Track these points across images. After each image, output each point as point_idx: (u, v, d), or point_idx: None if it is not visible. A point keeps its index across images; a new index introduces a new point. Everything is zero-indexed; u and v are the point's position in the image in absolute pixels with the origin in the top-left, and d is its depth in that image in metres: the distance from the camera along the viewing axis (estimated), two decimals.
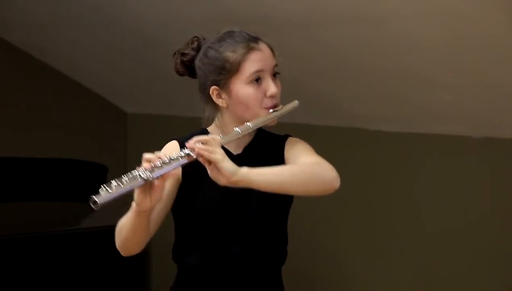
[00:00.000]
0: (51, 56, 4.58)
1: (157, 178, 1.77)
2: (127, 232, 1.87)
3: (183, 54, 2.02)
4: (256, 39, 1.96)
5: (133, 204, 1.82)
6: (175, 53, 2.04)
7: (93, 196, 1.71)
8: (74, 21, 3.98)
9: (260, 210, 1.94)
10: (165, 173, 1.77)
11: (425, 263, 3.68)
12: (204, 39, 2.02)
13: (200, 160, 1.78)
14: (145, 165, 1.77)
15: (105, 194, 1.73)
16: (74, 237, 3.23)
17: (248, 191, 1.86)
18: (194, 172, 1.89)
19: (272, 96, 1.94)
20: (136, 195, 1.79)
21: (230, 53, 1.92)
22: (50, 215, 3.89)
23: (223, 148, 1.86)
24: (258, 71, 1.93)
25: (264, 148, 2.00)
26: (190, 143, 1.78)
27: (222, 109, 1.99)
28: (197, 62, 2.00)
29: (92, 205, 1.72)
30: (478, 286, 3.51)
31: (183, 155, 1.79)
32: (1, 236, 3.09)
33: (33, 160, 4.25)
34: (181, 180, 1.96)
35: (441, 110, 3.37)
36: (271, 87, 1.94)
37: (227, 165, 1.75)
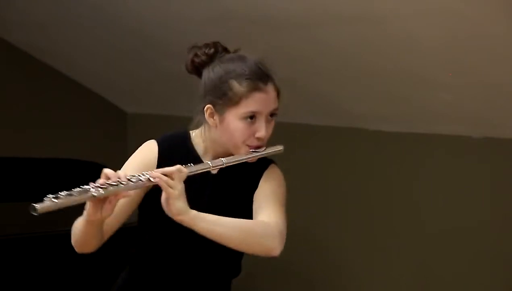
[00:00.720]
0: (51, 56, 4.58)
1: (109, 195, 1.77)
2: (79, 234, 1.88)
3: (196, 54, 2.02)
4: (266, 80, 1.95)
5: (84, 215, 1.83)
6: (191, 48, 2.04)
7: (34, 204, 1.68)
8: (74, 21, 3.98)
9: None
10: (118, 193, 1.77)
11: (425, 263, 3.68)
12: (223, 49, 2.01)
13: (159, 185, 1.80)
14: (101, 180, 1.78)
15: (49, 202, 1.71)
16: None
17: (219, 206, 1.92)
18: None
19: (259, 138, 1.95)
20: (87, 206, 1.81)
21: (236, 84, 1.93)
22: (50, 215, 3.88)
23: (197, 157, 1.93)
24: (255, 112, 1.94)
25: (242, 171, 1.99)
26: (152, 173, 1.80)
27: (210, 126, 1.99)
28: (204, 73, 2.00)
29: (32, 212, 1.69)
30: (478, 286, 3.51)
31: (143, 179, 1.80)
32: (1, 236, 3.09)
33: (33, 160, 4.25)
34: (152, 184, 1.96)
35: (441, 110, 3.37)
36: (262, 131, 1.94)
37: (179, 204, 1.78)
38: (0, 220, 3.68)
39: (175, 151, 1.99)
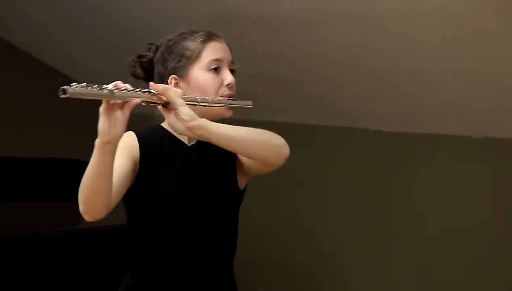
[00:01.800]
0: (51, 56, 4.58)
1: (122, 101, 1.79)
2: (92, 176, 1.82)
3: (141, 56, 2.08)
4: (215, 34, 2.02)
5: (97, 141, 1.81)
6: (131, 61, 2.09)
7: (64, 86, 1.74)
8: (74, 21, 3.98)
9: (214, 203, 1.96)
10: (129, 97, 1.81)
11: (425, 263, 3.68)
12: (161, 42, 2.08)
13: (160, 107, 1.84)
14: (116, 82, 1.81)
15: (76, 88, 1.75)
16: (74, 237, 3.23)
17: (205, 183, 1.93)
18: (152, 161, 1.91)
19: (229, 86, 1.99)
20: (100, 122, 1.79)
21: (190, 42, 1.99)
22: (50, 215, 3.89)
23: (177, 140, 1.96)
24: (217, 60, 1.98)
25: (216, 148, 1.97)
26: (154, 85, 1.84)
27: None
28: (156, 57, 2.05)
29: (59, 94, 1.74)
30: (478, 286, 3.51)
31: (146, 90, 1.83)
32: (1, 236, 3.09)
33: (33, 160, 4.25)
34: (138, 167, 1.95)
35: (441, 110, 3.37)
36: (228, 77, 1.99)
37: (187, 109, 1.80)
38: (0, 220, 3.68)
39: (152, 137, 2.00)
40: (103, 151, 1.81)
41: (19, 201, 4.06)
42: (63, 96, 1.73)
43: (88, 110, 5.21)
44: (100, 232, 3.23)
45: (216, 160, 1.99)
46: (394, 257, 3.79)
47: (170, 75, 2.00)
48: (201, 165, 1.97)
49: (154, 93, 1.84)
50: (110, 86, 1.76)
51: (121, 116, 1.80)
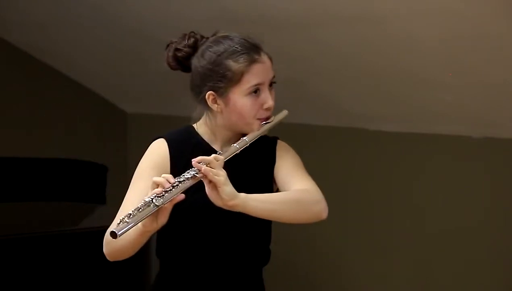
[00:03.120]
0: (51, 56, 4.58)
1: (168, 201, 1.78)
2: (123, 246, 1.87)
3: (177, 49, 2.02)
4: (258, 50, 1.96)
5: (139, 224, 1.81)
6: (168, 45, 2.04)
7: (113, 229, 1.73)
8: (74, 21, 3.98)
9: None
10: (174, 198, 1.78)
11: (425, 263, 3.68)
12: (201, 37, 2.02)
13: (204, 180, 1.80)
14: (156, 190, 1.77)
15: (122, 224, 1.73)
16: (74, 237, 3.23)
17: (235, 187, 1.89)
18: (182, 171, 1.89)
19: (267, 109, 1.97)
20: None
21: (233, 63, 1.93)
22: (50, 215, 3.89)
23: (209, 148, 1.94)
24: (258, 84, 1.94)
25: (255, 149, 1.99)
26: (196, 164, 1.80)
27: (214, 112, 1.99)
28: (194, 62, 1.99)
29: (111, 237, 1.74)
30: (478, 286, 3.51)
31: (189, 176, 1.80)
32: (1, 236, 3.09)
33: (33, 159, 4.25)
34: None
35: (441, 110, 3.37)
36: (269, 101, 1.96)
37: (228, 189, 1.79)
38: (0, 220, 3.68)
39: (184, 144, 1.99)
40: (142, 235, 1.84)
41: (19, 201, 4.05)
42: (115, 239, 1.74)
43: (88, 110, 5.24)
44: (100, 232, 3.22)
45: (251, 168, 1.99)
46: (394, 257, 3.79)
47: (208, 91, 1.96)
48: (234, 174, 1.93)
49: (196, 175, 1.81)
50: (155, 199, 1.75)
51: (165, 210, 1.79)
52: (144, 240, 1.86)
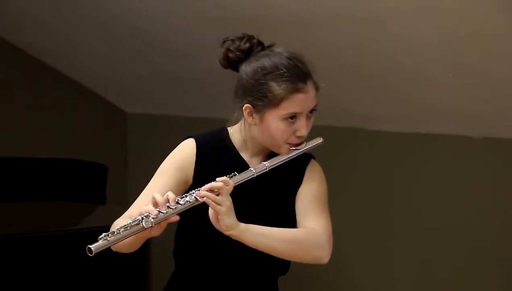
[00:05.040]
0: (51, 56, 4.58)
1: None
2: (120, 247, 1.89)
3: (229, 50, 1.97)
4: (305, 79, 1.94)
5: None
6: (224, 41, 1.99)
7: (90, 246, 1.73)
8: (74, 21, 3.98)
9: (269, 222, 1.92)
10: (168, 218, 1.78)
11: (424, 263, 3.68)
12: (258, 43, 1.98)
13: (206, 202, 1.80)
14: (151, 209, 1.77)
15: (102, 242, 1.74)
16: (74, 237, 3.22)
17: (257, 207, 1.91)
18: (206, 177, 1.88)
19: (299, 137, 1.95)
20: None
21: (275, 86, 1.90)
22: (50, 215, 3.89)
23: (239, 157, 1.93)
24: (295, 113, 1.92)
25: (283, 167, 1.97)
26: (202, 193, 1.79)
27: (251, 124, 1.97)
28: (242, 68, 1.96)
29: (87, 253, 1.74)
30: (478, 286, 3.51)
31: (190, 201, 1.80)
32: (1, 236, 3.09)
33: (33, 160, 4.25)
34: (191, 182, 1.95)
35: (441, 110, 3.37)
36: (302, 130, 1.94)
37: (228, 220, 1.79)
38: (0, 220, 3.68)
39: (213, 147, 1.97)
40: (136, 239, 1.84)
41: (19, 201, 4.05)
42: (90, 255, 1.75)
43: (88, 110, 5.23)
44: (100, 232, 3.22)
45: (276, 185, 1.96)
46: (394, 257, 3.79)
47: (247, 103, 1.93)
48: (257, 187, 1.94)
49: (198, 199, 1.80)
50: (145, 221, 1.75)
51: (160, 226, 1.79)
52: (137, 243, 1.87)
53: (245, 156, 1.98)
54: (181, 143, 2.01)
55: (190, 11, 3.38)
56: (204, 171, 1.92)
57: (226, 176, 1.85)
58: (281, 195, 1.96)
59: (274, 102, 1.90)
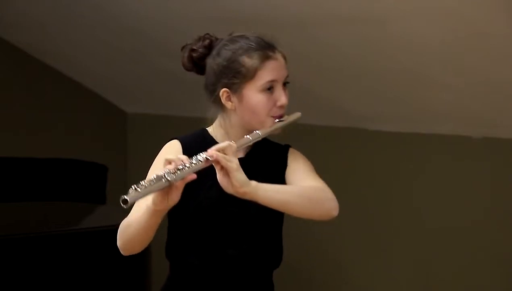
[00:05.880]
0: (51, 56, 4.58)
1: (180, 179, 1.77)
2: (137, 230, 1.86)
3: (193, 50, 2.02)
4: (273, 48, 1.98)
5: (149, 206, 1.81)
6: (183, 47, 2.04)
7: (124, 196, 1.71)
8: (74, 21, 3.98)
9: (260, 213, 1.94)
10: (186, 176, 1.78)
11: (425, 263, 3.68)
12: (216, 38, 2.03)
13: (216, 166, 1.80)
14: (168, 166, 1.77)
15: (134, 193, 1.72)
16: (74, 237, 3.22)
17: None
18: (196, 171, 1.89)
19: (281, 107, 1.97)
20: (154, 195, 1.79)
21: (247, 59, 1.94)
22: (50, 215, 3.89)
23: None
24: (272, 80, 1.95)
25: (266, 154, 2.01)
26: (211, 152, 1.80)
27: (228, 111, 2.00)
28: (209, 61, 2.00)
29: (122, 204, 1.71)
30: (478, 286, 3.51)
31: (201, 160, 1.80)
32: (1, 236, 3.09)
33: (33, 160, 4.25)
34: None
35: (441, 110, 3.37)
36: (282, 98, 1.97)
37: (240, 175, 1.78)
38: (0, 220, 3.68)
39: (197, 147, 1.96)
40: (154, 215, 1.83)
41: (19, 201, 4.05)
42: (125, 206, 1.72)
43: (88, 110, 5.23)
44: (100, 232, 3.22)
45: (264, 170, 1.98)
46: (394, 257, 3.79)
47: (222, 88, 1.96)
48: (247, 173, 1.92)
49: (209, 159, 1.80)
50: (167, 174, 1.75)
51: (176, 188, 1.78)
52: (155, 222, 1.84)
53: None
54: (166, 144, 2.02)
55: (190, 11, 3.38)
56: None
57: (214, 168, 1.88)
58: (269, 181, 1.94)
59: (249, 75, 1.93)
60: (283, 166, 2.01)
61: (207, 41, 2.01)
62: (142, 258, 3.30)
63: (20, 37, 4.44)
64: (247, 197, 1.80)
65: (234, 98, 1.96)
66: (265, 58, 1.94)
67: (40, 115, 4.69)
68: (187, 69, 2.05)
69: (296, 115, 2.06)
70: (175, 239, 2.01)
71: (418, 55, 3.03)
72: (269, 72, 1.94)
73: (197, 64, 2.02)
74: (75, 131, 4.79)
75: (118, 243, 1.91)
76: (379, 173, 3.83)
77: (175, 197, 1.78)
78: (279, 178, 1.99)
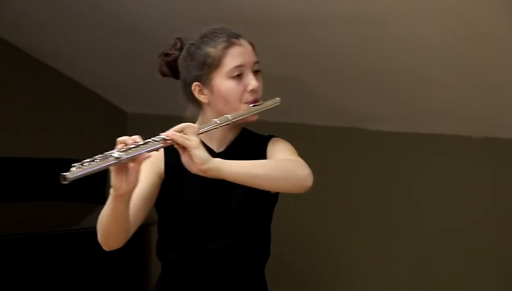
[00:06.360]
0: (51, 56, 4.58)
1: (131, 159, 1.76)
2: (108, 220, 1.85)
3: (166, 54, 2.04)
4: (237, 35, 1.98)
5: (111, 192, 1.82)
6: (159, 56, 2.06)
7: (63, 173, 1.71)
8: (74, 21, 3.98)
9: (241, 208, 1.95)
10: (138, 155, 1.77)
11: (425, 263, 3.68)
12: (185, 39, 2.04)
13: (175, 146, 1.79)
14: (119, 146, 1.78)
15: (77, 169, 1.74)
16: (74, 237, 3.23)
17: (230, 188, 1.89)
18: (177, 169, 1.89)
19: (253, 91, 1.95)
20: (112, 178, 1.80)
21: (211, 49, 1.95)
22: (50, 215, 3.89)
23: (205, 146, 1.88)
24: (239, 66, 1.94)
25: (247, 147, 2.01)
26: (168, 132, 1.80)
27: (204, 107, 2.00)
28: (179, 61, 2.02)
29: (61, 181, 1.72)
30: (478, 286, 3.51)
31: (158, 139, 1.80)
32: (1, 236, 3.09)
33: (33, 160, 4.25)
34: (163, 177, 1.97)
35: (441, 110, 3.37)
36: (252, 82, 1.95)
37: (200, 152, 1.76)
38: (0, 220, 3.68)
39: None
40: (118, 201, 1.82)
41: (19, 201, 4.05)
42: (64, 182, 1.72)
43: (88, 110, 5.23)
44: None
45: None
46: (394, 256, 3.79)
47: (193, 82, 1.97)
48: None
49: (165, 138, 1.79)
50: (115, 152, 1.74)
51: (133, 170, 1.77)
52: (121, 210, 1.82)
53: (213, 146, 1.99)
54: None
55: (190, 11, 3.38)
56: (173, 165, 1.93)
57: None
58: None
59: (215, 63, 1.93)
60: (263, 156, 1.98)
61: (178, 44, 2.03)
62: (142, 258, 3.30)
63: (20, 37, 4.44)
64: (211, 174, 1.76)
65: (206, 91, 1.97)
66: (229, 45, 1.94)
67: (40, 115, 4.69)
68: (164, 75, 2.06)
69: (275, 101, 2.02)
70: (162, 237, 2.02)
71: (418, 55, 3.03)
72: (234, 58, 1.94)
73: (172, 68, 2.04)
74: (75, 131, 4.79)
75: (98, 238, 1.89)
76: (379, 173, 3.83)
77: (133, 179, 1.77)
78: None
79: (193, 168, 1.77)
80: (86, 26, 3.99)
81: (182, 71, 2.01)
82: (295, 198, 4.03)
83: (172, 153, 1.91)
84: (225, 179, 1.78)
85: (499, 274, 3.45)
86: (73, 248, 3.19)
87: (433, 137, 3.60)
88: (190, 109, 2.04)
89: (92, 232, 3.10)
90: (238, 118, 1.92)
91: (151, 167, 1.93)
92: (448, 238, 3.59)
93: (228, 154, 1.97)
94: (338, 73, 3.42)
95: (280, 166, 1.87)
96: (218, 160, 1.77)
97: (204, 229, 1.95)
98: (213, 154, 1.93)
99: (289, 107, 3.80)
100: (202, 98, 1.98)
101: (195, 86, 1.97)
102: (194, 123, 2.02)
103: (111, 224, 1.85)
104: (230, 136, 2.01)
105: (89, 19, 3.90)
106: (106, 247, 1.91)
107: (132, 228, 1.90)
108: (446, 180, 3.61)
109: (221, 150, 2.00)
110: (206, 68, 1.95)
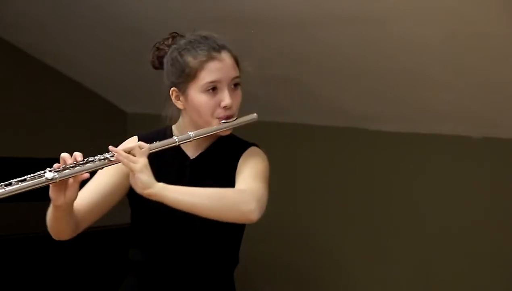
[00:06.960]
0: (51, 56, 4.58)
1: (67, 177, 1.76)
2: (50, 220, 1.88)
3: (158, 48, 2.04)
4: (219, 48, 1.95)
5: (51, 200, 1.82)
6: (152, 47, 2.06)
7: None
8: (74, 21, 3.98)
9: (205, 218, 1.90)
10: (76, 175, 1.77)
11: (425, 263, 3.68)
12: (182, 36, 2.03)
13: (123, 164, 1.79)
14: (56, 165, 1.77)
15: (1, 190, 1.72)
16: (73, 237, 3.22)
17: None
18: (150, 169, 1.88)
19: (225, 108, 1.93)
20: (50, 190, 1.79)
21: (191, 59, 1.94)
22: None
23: (180, 150, 1.91)
24: (214, 81, 1.93)
25: (222, 154, 1.99)
26: (112, 148, 1.81)
27: (182, 111, 2.00)
28: (164, 60, 2.02)
29: None
30: (478, 286, 3.51)
31: (102, 158, 1.80)
32: (1, 236, 3.09)
33: (34, 160, 4.24)
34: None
35: (441, 110, 3.37)
36: (226, 99, 1.93)
37: (143, 177, 1.77)
38: (0, 220, 3.68)
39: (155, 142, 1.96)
40: (56, 210, 1.83)
41: (19, 201, 4.05)
42: None
43: (88, 110, 5.22)
44: (100, 232, 3.22)
45: (216, 173, 1.96)
46: (394, 256, 3.79)
47: (171, 87, 1.98)
48: (197, 178, 1.94)
49: (109, 158, 1.80)
50: (49, 173, 1.73)
51: (71, 186, 1.78)
52: (61, 216, 1.83)
53: (187, 149, 1.99)
54: (127, 140, 2.06)
55: (190, 11, 3.38)
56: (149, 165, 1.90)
57: (168, 169, 1.90)
58: (219, 184, 1.90)
59: (191, 75, 1.93)
60: (233, 168, 1.96)
61: (170, 40, 2.03)
62: None
63: (20, 37, 4.44)
64: (154, 198, 1.78)
65: (182, 97, 1.97)
66: (208, 59, 1.92)
67: (40, 115, 4.69)
68: (155, 67, 2.06)
69: (251, 117, 1.99)
70: (131, 235, 2.02)
71: (418, 55, 3.03)
72: (210, 73, 1.92)
73: (162, 62, 2.04)
74: (75, 132, 4.79)
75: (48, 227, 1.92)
76: (379, 173, 3.83)
77: (71, 194, 1.79)
78: (229, 177, 1.95)
79: (137, 190, 1.79)
80: (86, 26, 3.99)
81: (164, 72, 2.02)
82: (295, 198, 4.03)
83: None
84: (168, 204, 1.79)
85: (499, 274, 3.45)
86: (73, 248, 3.19)
87: (433, 137, 3.60)
88: (170, 110, 2.04)
89: (92, 232, 3.11)
90: (200, 136, 1.91)
91: (119, 165, 1.88)
92: (448, 238, 3.59)
93: (200, 161, 1.97)
94: (338, 73, 3.42)
95: (224, 197, 1.82)
96: (161, 186, 1.77)
97: (170, 233, 1.95)
98: (186, 160, 1.95)
99: (289, 107, 3.80)
100: (178, 104, 1.99)
101: (172, 91, 1.99)
102: (174, 123, 2.03)
103: (54, 224, 1.88)
104: (206, 143, 2.00)
105: (89, 19, 3.89)
106: (54, 237, 1.94)
107: (86, 223, 1.93)
108: (446, 180, 3.60)
109: (195, 155, 1.99)
110: (184, 77, 1.94)
